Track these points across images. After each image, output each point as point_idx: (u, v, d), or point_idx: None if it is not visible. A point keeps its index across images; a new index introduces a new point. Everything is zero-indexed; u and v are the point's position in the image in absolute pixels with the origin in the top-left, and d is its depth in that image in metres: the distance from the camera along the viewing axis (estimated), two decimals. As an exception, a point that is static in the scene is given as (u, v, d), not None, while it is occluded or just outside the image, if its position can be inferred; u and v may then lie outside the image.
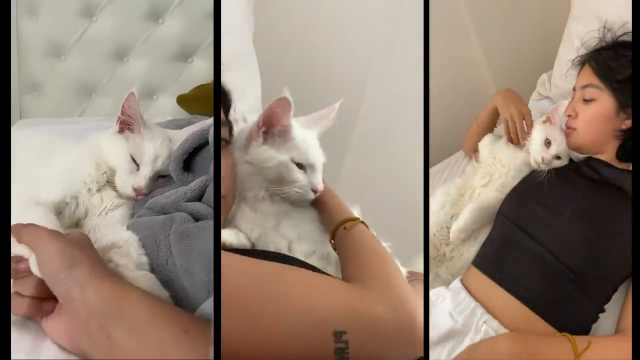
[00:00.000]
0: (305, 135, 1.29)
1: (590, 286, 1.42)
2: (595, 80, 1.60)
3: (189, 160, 1.49)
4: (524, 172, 1.68)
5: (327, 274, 1.13)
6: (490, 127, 1.89)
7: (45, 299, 1.16)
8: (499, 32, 2.35)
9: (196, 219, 1.33)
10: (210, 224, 1.27)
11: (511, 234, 1.53)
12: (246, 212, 1.29)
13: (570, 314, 1.41)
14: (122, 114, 1.51)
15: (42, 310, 1.16)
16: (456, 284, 1.51)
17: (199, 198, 1.40)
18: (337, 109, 1.31)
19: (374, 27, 2.19)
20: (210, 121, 1.51)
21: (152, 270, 1.28)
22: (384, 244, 1.35)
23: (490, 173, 1.71)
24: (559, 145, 1.63)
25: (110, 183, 1.52)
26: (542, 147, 1.63)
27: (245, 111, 1.25)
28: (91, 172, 1.50)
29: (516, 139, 1.73)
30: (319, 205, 1.32)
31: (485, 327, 1.38)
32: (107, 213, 1.48)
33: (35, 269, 1.15)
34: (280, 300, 0.97)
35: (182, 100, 2.62)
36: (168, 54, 2.83)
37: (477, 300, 1.44)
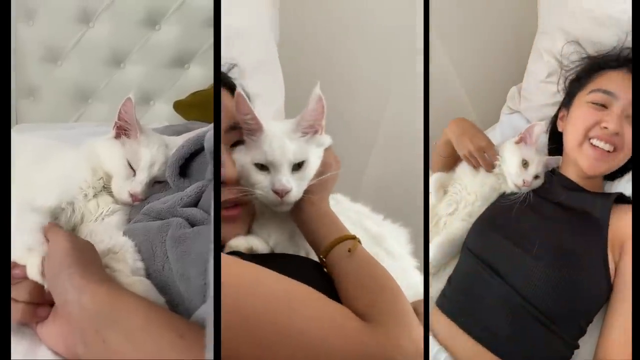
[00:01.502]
0: (274, 133, 1.23)
1: (562, 326, 1.38)
2: None
3: (185, 165, 1.48)
4: (492, 198, 1.64)
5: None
6: (451, 156, 1.78)
7: (40, 305, 1.17)
8: (466, 46, 2.33)
9: (192, 224, 1.33)
10: (206, 229, 1.27)
11: (476, 270, 1.48)
12: (260, 220, 1.29)
13: (542, 357, 1.37)
14: (119, 119, 1.51)
15: (36, 315, 1.17)
16: None
17: (195, 203, 1.40)
18: (317, 92, 1.22)
19: (396, 34, 2.22)
20: (206, 127, 1.51)
21: (148, 275, 1.28)
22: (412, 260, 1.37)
23: (456, 200, 1.66)
24: (537, 165, 1.59)
25: (106, 189, 1.51)
26: (521, 170, 1.59)
27: (269, 118, 1.23)
28: (87, 177, 1.49)
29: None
30: (310, 214, 1.23)
31: None
32: (103, 219, 1.47)
33: (31, 274, 1.15)
34: (291, 333, 0.98)
35: (179, 106, 2.62)
36: (165, 60, 2.83)
37: (441, 343, 1.41)
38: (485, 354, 1.37)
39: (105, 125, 1.60)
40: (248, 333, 0.95)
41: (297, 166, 1.22)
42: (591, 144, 1.54)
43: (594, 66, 1.66)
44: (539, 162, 1.60)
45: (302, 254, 1.26)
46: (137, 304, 1.07)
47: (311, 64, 2.34)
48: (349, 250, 1.13)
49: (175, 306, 1.21)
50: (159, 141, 1.54)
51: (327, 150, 1.28)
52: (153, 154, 1.50)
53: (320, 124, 1.26)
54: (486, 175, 1.65)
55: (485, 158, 1.65)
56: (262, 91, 1.79)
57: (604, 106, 1.55)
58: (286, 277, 1.04)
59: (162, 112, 2.83)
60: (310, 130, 1.24)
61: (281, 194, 1.19)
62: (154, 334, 1.01)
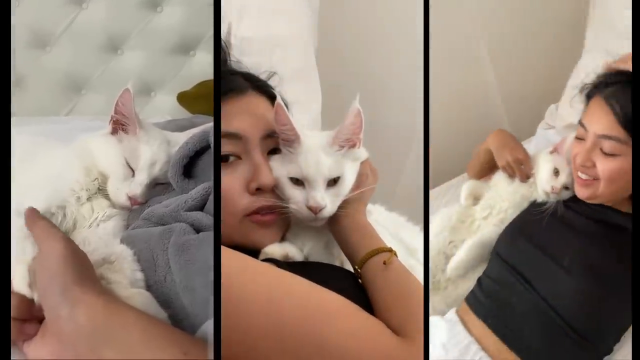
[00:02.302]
0: (310, 147, 1.35)
1: (590, 342, 1.49)
2: (621, 134, 1.56)
3: (189, 165, 1.49)
4: (523, 206, 1.79)
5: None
6: (488, 162, 1.98)
7: (27, 321, 1.17)
8: (512, 58, 2.60)
9: (197, 230, 1.35)
10: (212, 235, 1.28)
11: (506, 276, 1.61)
12: (294, 229, 1.41)
13: None
14: (116, 112, 1.51)
15: (23, 333, 1.17)
16: (451, 315, 1.61)
17: (201, 207, 1.41)
18: (356, 106, 1.33)
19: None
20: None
21: (149, 287, 1.29)
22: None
23: (491, 205, 1.86)
24: (567, 175, 1.72)
25: (101, 191, 1.51)
26: (551, 177, 1.74)
27: (306, 126, 1.44)
28: (80, 178, 1.49)
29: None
30: (346, 226, 1.35)
31: None
32: (98, 225, 1.48)
33: (17, 286, 1.16)
34: (324, 345, 1.06)
35: (183, 98, 2.63)
36: (167, 46, 2.85)
37: (472, 335, 1.53)
38: (511, 357, 1.50)
39: (100, 119, 1.61)
40: (280, 343, 1.04)
41: (333, 182, 1.34)
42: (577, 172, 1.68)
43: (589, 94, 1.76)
44: (570, 173, 1.73)
45: (337, 263, 1.39)
46: (136, 319, 1.09)
47: (349, 71, 2.55)
48: (384, 263, 1.24)
49: (179, 321, 1.23)
50: (161, 137, 1.56)
51: (364, 162, 1.41)
52: (154, 152, 1.51)
53: (358, 137, 1.38)
54: (519, 185, 1.84)
55: (522, 170, 1.85)
56: (300, 98, 1.96)
57: (583, 139, 1.66)
58: (321, 287, 1.13)
59: (165, 105, 2.84)
60: (347, 144, 1.36)
61: (315, 210, 1.32)
62: (155, 351, 1.02)
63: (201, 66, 2.87)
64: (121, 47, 2.82)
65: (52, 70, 2.79)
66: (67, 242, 1.19)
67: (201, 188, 1.42)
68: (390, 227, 1.50)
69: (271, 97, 1.42)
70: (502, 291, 1.61)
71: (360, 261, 1.28)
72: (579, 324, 1.48)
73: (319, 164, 1.33)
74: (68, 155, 1.54)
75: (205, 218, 1.37)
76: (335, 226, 1.36)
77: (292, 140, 1.35)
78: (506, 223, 1.77)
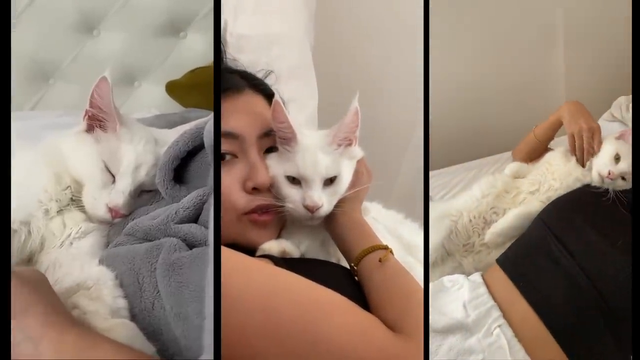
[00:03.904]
0: (308, 146, 1.52)
1: (622, 327, 1.56)
2: None
3: (181, 168, 1.51)
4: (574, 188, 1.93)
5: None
6: (546, 140, 2.29)
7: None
8: (586, 44, 2.90)
9: (191, 245, 1.37)
10: (208, 251, 1.29)
11: (546, 242, 1.75)
12: (290, 227, 1.58)
13: (591, 351, 1.57)
14: (91, 106, 1.52)
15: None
16: (476, 277, 1.76)
17: (195, 218, 1.44)
18: (355, 105, 1.51)
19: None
20: (208, 117, 1.52)
21: (133, 317, 1.30)
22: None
23: (539, 181, 2.10)
24: (628, 164, 1.84)
25: (75, 202, 1.51)
26: (611, 161, 1.88)
27: (302, 123, 1.66)
28: (49, 186, 1.49)
29: (581, 156, 2.01)
30: (342, 223, 1.53)
31: (498, 331, 1.60)
32: (71, 243, 1.48)
33: None
34: (320, 342, 1.18)
35: (173, 89, 2.65)
36: (153, 26, 2.87)
37: (495, 301, 1.65)
38: (535, 323, 1.62)
39: (73, 114, 1.62)
40: (276, 340, 1.15)
41: (329, 181, 1.53)
42: None
43: None
44: (631, 163, 1.84)
45: (333, 261, 1.57)
46: (115, 353, 1.09)
47: (345, 69, 2.82)
48: (380, 260, 1.42)
49: (170, 356, 1.24)
50: (147, 136, 1.57)
51: (359, 160, 1.61)
52: (138, 153, 1.52)
53: (355, 135, 1.58)
54: (575, 167, 2.06)
55: (591, 142, 2.04)
56: (296, 96, 2.26)
57: None
58: (317, 284, 1.28)
59: (151, 97, 2.88)
60: (344, 142, 1.55)
61: (312, 210, 1.50)
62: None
63: (194, 50, 2.89)
64: (97, 27, 2.83)
65: (14, 54, 2.76)
66: (16, 271, 1.17)
67: (195, 195, 1.44)
68: (388, 225, 1.72)
69: (268, 95, 1.60)
70: (539, 255, 1.77)
71: (356, 258, 1.45)
72: (617, 303, 1.59)
73: (317, 163, 1.51)
74: (33, 159, 1.54)
75: (199, 231, 1.39)
76: (331, 224, 1.55)
77: (289, 138, 1.51)
78: None
